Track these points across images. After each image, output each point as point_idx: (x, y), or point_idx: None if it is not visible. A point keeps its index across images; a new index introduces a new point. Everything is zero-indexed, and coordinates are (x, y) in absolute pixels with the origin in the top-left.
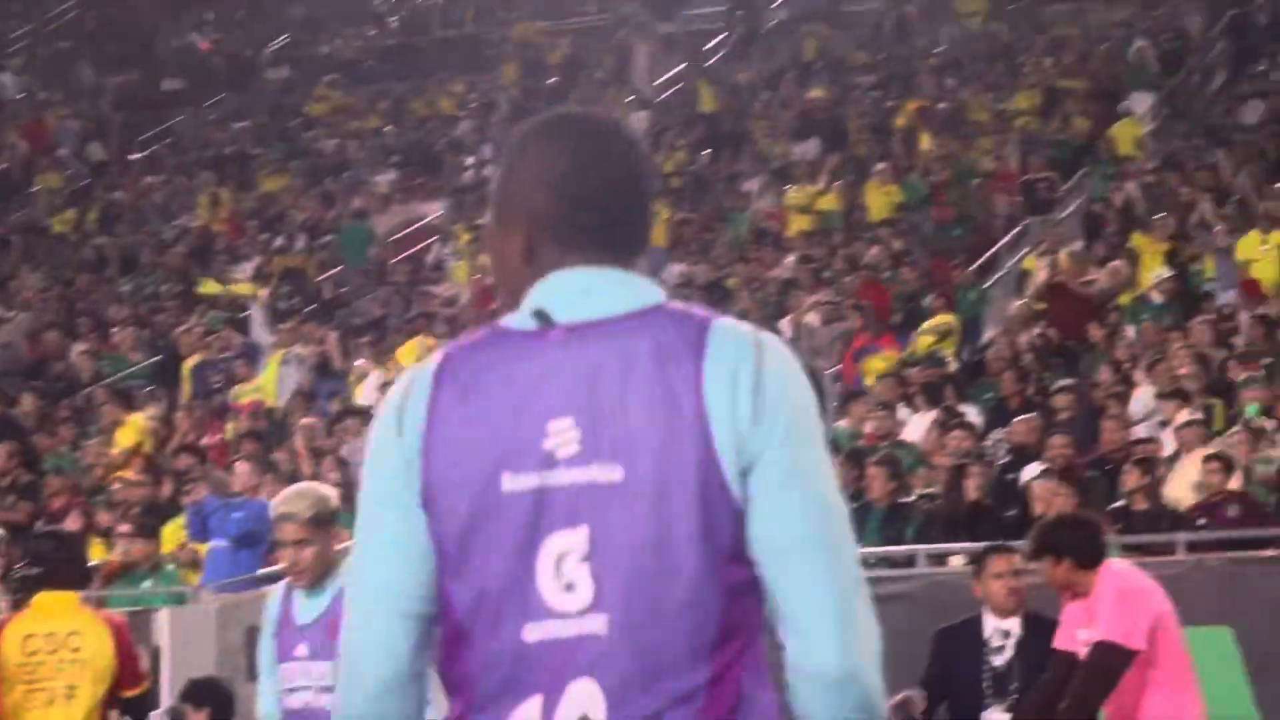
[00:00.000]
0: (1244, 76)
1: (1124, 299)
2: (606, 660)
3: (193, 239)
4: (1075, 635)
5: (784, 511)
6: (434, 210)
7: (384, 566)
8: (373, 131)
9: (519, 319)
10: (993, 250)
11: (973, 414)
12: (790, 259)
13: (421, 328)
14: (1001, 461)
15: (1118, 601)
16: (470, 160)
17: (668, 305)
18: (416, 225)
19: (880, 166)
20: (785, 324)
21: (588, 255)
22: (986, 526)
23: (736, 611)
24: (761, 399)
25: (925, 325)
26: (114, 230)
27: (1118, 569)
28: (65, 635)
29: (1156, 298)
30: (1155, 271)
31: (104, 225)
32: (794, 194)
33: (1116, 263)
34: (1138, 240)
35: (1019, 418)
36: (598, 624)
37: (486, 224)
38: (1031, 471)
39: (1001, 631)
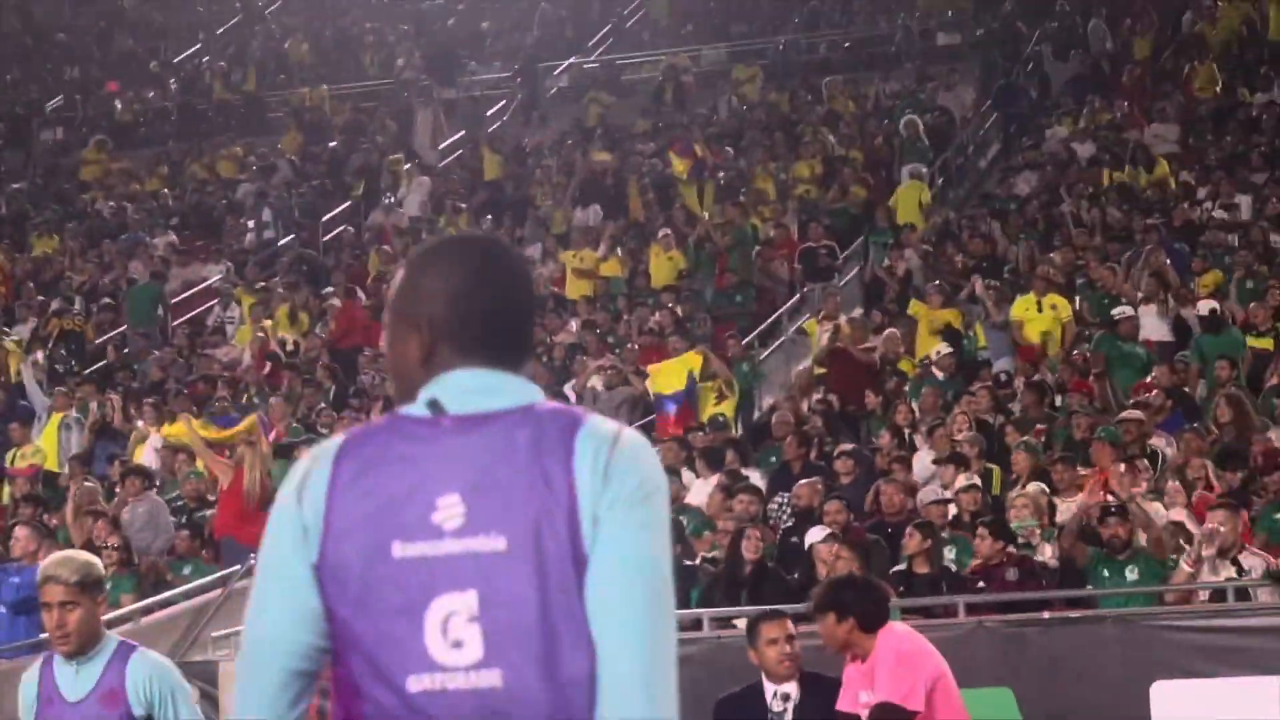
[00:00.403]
0: (1016, 148)
1: (905, 365)
2: (505, 710)
3: None
4: (857, 697)
5: (613, 584)
6: (214, 273)
7: (274, 625)
8: (151, 194)
9: (415, 408)
10: (774, 316)
11: (756, 478)
12: (574, 324)
13: (202, 390)
14: (785, 525)
15: (897, 664)
16: (250, 223)
17: (545, 403)
18: (197, 288)
19: (663, 233)
20: (570, 389)
21: (478, 358)
22: (770, 589)
23: None
24: (612, 468)
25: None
26: None
27: (896, 631)
28: None
29: (938, 374)
30: (934, 345)
31: None
32: (575, 259)
33: (891, 330)
34: (915, 308)
35: (802, 481)
36: (492, 678)
37: (386, 326)
38: (816, 535)
39: (781, 695)
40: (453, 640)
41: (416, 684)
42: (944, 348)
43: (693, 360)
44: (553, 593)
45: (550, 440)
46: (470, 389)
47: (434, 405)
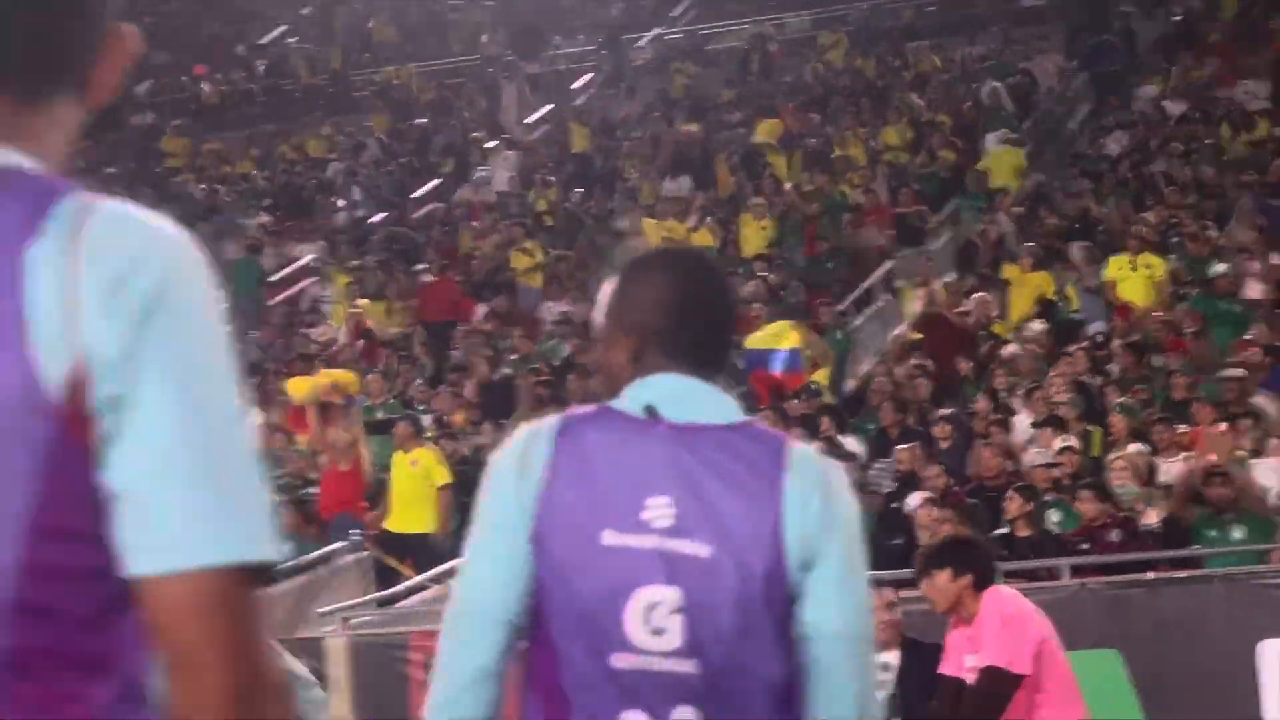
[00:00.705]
0: (1106, 108)
1: (999, 329)
2: (701, 695)
3: None
4: (962, 662)
5: (833, 606)
6: (307, 252)
7: (486, 585)
8: (241, 176)
9: (629, 406)
10: (867, 283)
11: (852, 445)
12: None
13: (299, 369)
14: (886, 490)
15: (1002, 627)
16: (341, 202)
17: (756, 424)
18: (291, 268)
19: (753, 202)
20: None
21: (683, 366)
22: (872, 554)
23: (792, 674)
24: (825, 518)
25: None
26: None
27: (1000, 594)
28: None
29: (1030, 335)
30: (1027, 309)
31: None
32: (664, 229)
33: (984, 294)
34: (1008, 272)
35: (901, 446)
36: (688, 666)
37: (600, 330)
38: (915, 500)
39: (880, 665)
40: (654, 628)
41: (619, 661)
42: (1037, 324)
43: (789, 334)
44: (752, 603)
45: (760, 462)
46: (682, 397)
47: (650, 410)
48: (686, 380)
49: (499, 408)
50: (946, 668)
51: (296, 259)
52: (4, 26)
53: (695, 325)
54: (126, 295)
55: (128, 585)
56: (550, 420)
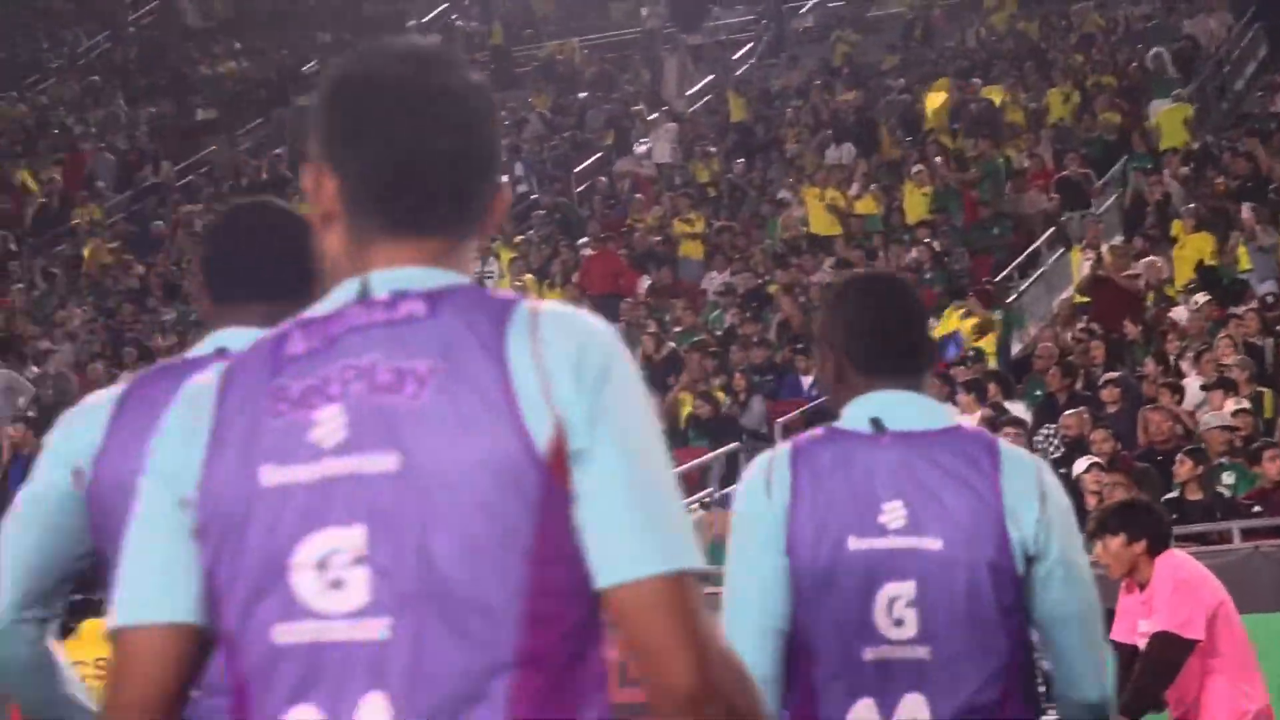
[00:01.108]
0: (1275, 66)
1: (1169, 291)
2: (931, 681)
3: None
4: (1135, 627)
5: (1065, 593)
6: None
7: (753, 594)
8: None
9: (852, 424)
10: (1032, 247)
11: (1019, 410)
12: (829, 263)
13: None
14: (1054, 456)
15: (1175, 591)
16: (504, 178)
17: (968, 426)
18: None
19: (915, 169)
20: None
21: (888, 380)
22: None
23: (1016, 658)
24: (1046, 511)
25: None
26: (154, 259)
27: (1174, 559)
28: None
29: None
30: (1189, 271)
31: (143, 255)
32: (827, 198)
33: (1152, 257)
34: (1177, 231)
35: (1068, 411)
36: (924, 652)
37: (815, 349)
38: (1080, 465)
39: None
40: (895, 619)
41: (869, 654)
42: (1200, 296)
43: (951, 318)
44: (980, 592)
45: (977, 460)
46: (899, 408)
47: (876, 423)
48: (900, 393)
49: (662, 379)
50: (1118, 633)
51: None
52: (447, 192)
53: (893, 342)
54: (584, 373)
55: (598, 598)
56: (783, 447)
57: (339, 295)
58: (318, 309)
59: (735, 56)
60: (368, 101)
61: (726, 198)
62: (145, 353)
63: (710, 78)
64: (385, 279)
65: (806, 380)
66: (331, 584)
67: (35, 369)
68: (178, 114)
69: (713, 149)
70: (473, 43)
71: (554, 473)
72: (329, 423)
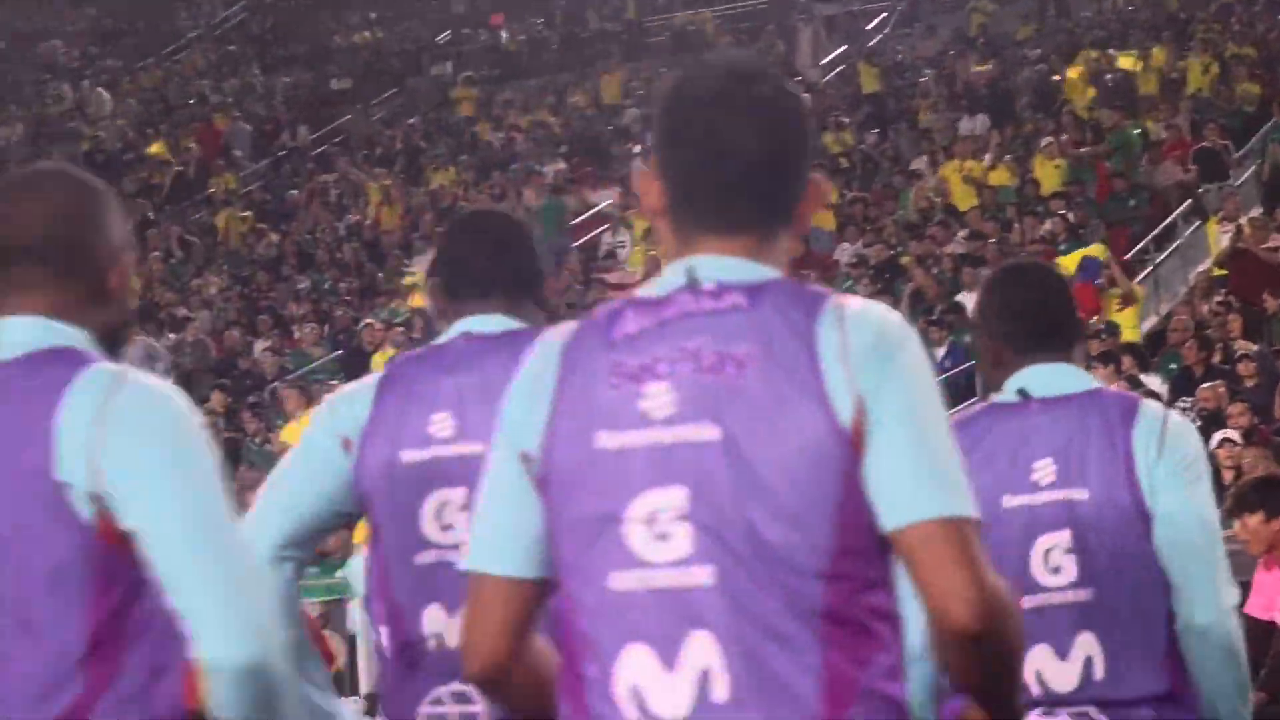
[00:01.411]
0: None
1: None
2: (1096, 620)
3: (366, 234)
4: (1272, 604)
5: (1184, 523)
6: (604, 199)
7: None
8: (538, 123)
9: (1005, 397)
10: (1169, 219)
11: (1155, 383)
12: (962, 234)
13: None
14: None
15: None
16: (637, 149)
17: (1105, 390)
18: (587, 214)
19: (1046, 141)
20: (964, 298)
21: (1039, 356)
22: None
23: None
24: (1165, 444)
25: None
26: (288, 228)
27: None
28: None
29: None
30: None
31: (278, 224)
32: (961, 169)
33: None
34: None
35: (1204, 385)
36: (1085, 595)
37: (974, 334)
38: (1214, 440)
39: None
40: (1052, 567)
41: (1028, 603)
42: None
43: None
44: (1126, 534)
45: (1115, 419)
46: (1046, 378)
47: (1023, 393)
48: (1046, 366)
49: None
50: (1252, 608)
51: (593, 205)
52: (756, 191)
53: (1041, 324)
54: (880, 355)
55: (890, 559)
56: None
57: (668, 280)
58: (649, 290)
59: (869, 27)
60: (687, 112)
61: (859, 168)
62: (279, 320)
63: (843, 48)
64: (710, 268)
65: (940, 352)
66: (659, 536)
67: (172, 336)
68: (313, 84)
69: (845, 119)
70: (608, 12)
71: (855, 447)
72: (658, 396)
